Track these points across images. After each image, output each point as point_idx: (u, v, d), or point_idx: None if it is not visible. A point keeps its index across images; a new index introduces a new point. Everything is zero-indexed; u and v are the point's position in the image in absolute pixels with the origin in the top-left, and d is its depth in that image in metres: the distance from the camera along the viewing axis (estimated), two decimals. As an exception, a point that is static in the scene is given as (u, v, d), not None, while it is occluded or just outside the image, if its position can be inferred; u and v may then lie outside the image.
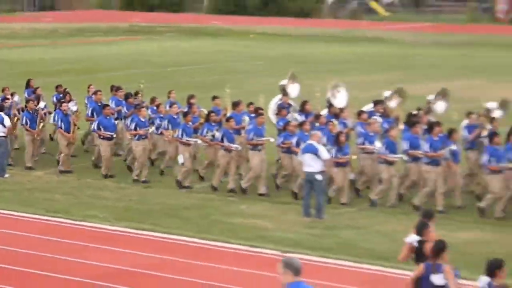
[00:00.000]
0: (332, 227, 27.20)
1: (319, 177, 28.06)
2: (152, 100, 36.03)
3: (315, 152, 27.98)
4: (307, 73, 57.02)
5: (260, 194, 31.11)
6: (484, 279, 15.89)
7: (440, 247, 17.18)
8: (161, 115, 33.87)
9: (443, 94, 35.66)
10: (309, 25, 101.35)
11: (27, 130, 34.69)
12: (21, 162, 35.57)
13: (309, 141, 28.85)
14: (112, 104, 35.62)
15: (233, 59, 69.21)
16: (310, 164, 28.17)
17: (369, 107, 35.41)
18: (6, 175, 33.72)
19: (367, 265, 23.09)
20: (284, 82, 37.21)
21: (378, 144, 29.77)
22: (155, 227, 26.83)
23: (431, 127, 29.47)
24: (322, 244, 25.26)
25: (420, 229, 18.49)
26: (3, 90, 37.98)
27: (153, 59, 68.91)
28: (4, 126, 34.03)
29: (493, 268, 15.71)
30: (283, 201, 30.32)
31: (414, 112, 33.50)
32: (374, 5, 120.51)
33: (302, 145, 29.44)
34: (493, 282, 15.97)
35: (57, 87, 39.25)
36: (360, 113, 32.92)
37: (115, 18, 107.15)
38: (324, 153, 28.39)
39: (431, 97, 35.81)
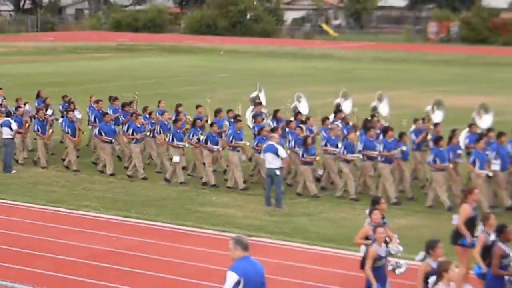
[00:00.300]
0: (289, 214, 27.46)
1: (278, 172, 28.20)
2: (145, 109, 35.70)
3: (275, 151, 28.09)
4: (268, 84, 57.20)
5: (228, 187, 31.15)
6: (422, 253, 16.53)
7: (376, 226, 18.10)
8: (153, 121, 33.79)
9: (380, 99, 36.18)
10: (270, 44, 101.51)
11: (38, 135, 34.60)
12: (27, 161, 35.66)
13: (270, 142, 28.99)
14: (110, 112, 35.38)
15: (206, 73, 69.31)
16: (271, 162, 28.30)
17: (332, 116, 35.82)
18: (13, 171, 33.78)
19: (317, 246, 23.37)
20: (254, 94, 37.51)
21: (340, 146, 29.80)
22: (139, 215, 26.98)
23: (385, 131, 29.64)
24: (280, 229, 25.52)
25: (369, 213, 18.91)
26: (16, 100, 37.77)
27: (138, 73, 68.82)
28: (11, 129, 34.19)
29: (427, 247, 16.41)
30: (248, 193, 30.36)
31: (369, 118, 33.75)
32: (325, 27, 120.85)
33: (264, 146, 29.45)
34: (428, 257, 16.55)
35: (63, 97, 38.78)
36: (324, 120, 33.10)
37: (105, 38, 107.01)
38: (282, 152, 28.54)
39: (374, 103, 36.16)
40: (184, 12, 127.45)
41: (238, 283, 13.65)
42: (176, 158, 31.04)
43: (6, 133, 34.23)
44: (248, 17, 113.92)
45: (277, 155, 28.32)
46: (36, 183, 32.14)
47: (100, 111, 35.65)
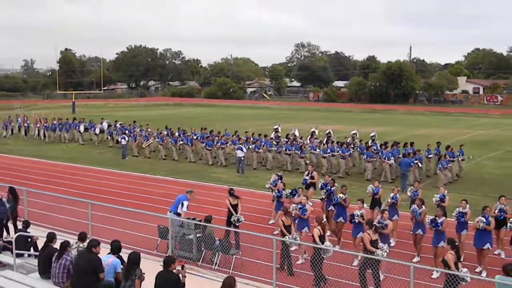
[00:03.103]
0: (247, 177, 27.40)
1: (243, 158, 28.46)
2: (219, 132, 34.39)
3: (241, 149, 28.32)
4: (242, 120, 56.94)
5: (224, 166, 30.66)
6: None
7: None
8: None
9: (328, 130, 35.33)
10: (241, 103, 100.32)
11: (173, 146, 33.48)
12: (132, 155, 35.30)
13: (239, 145, 29.16)
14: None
15: (213, 114, 68.30)
16: (239, 154, 28.44)
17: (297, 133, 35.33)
18: (126, 158, 33.22)
19: (258, 190, 23.32)
20: (275, 126, 37.17)
21: (318, 150, 29.10)
22: (182, 177, 26.91)
23: (321, 142, 29.45)
24: (243, 183, 25.57)
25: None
26: (157, 129, 36.57)
27: (185, 115, 67.68)
28: (125, 140, 33.96)
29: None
30: (229, 167, 30.12)
31: (312, 133, 33.20)
32: (265, 95, 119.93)
33: (236, 146, 29.49)
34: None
35: (178, 128, 36.20)
36: (310, 138, 31.95)
37: (168, 100, 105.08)
38: (244, 150, 28.78)
39: (313, 129, 35.14)
40: (203, 88, 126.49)
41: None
42: (240, 154, 29.19)
43: (123, 141, 33.91)
44: (231, 90, 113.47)
45: (242, 150, 28.60)
46: (136, 163, 31.75)
47: (204, 135, 33.81)
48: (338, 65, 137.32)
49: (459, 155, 26.96)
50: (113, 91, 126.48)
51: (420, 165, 25.55)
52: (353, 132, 34.36)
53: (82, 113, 59.82)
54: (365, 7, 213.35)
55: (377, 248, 12.24)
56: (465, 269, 11.26)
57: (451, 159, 25.96)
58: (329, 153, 28.38)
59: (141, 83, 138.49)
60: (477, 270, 14.04)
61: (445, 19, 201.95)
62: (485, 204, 15.51)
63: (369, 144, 28.89)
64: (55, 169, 29.57)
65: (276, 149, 30.29)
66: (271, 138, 31.87)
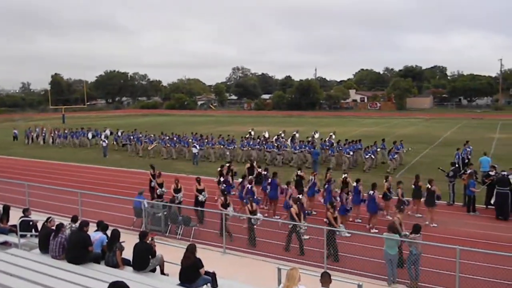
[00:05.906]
0: (199, 168, 26.53)
1: (197, 154, 27.61)
2: (206, 136, 31.87)
3: (196, 147, 27.36)
4: (197, 125, 55.87)
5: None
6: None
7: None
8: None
9: (252, 131, 34.20)
10: (193, 112, 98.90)
11: (172, 148, 30.81)
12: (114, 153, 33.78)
13: (196, 145, 28.35)
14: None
15: (171, 122, 66.44)
16: (193, 150, 27.63)
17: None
18: (107, 156, 31.12)
19: (206, 177, 22.06)
20: (250, 130, 34.43)
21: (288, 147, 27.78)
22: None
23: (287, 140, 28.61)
24: (197, 172, 24.43)
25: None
26: (147, 134, 33.85)
27: (151, 122, 65.76)
28: (105, 142, 32.29)
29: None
30: (187, 161, 29.03)
31: (278, 135, 31.86)
32: (211, 106, 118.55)
33: (192, 145, 28.40)
34: None
35: (172, 133, 33.26)
36: (277, 138, 30.61)
37: (135, 111, 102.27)
38: (197, 147, 27.95)
39: (253, 131, 33.74)
40: (164, 102, 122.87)
41: None
42: (194, 150, 27.71)
43: (104, 144, 32.58)
44: (185, 103, 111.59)
45: (196, 148, 27.93)
46: (117, 160, 30.15)
47: (195, 138, 31.21)
48: (264, 83, 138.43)
49: (401, 148, 26.31)
50: (94, 105, 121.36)
51: (373, 157, 24.97)
52: (331, 133, 31.80)
53: (70, 124, 56.97)
54: (281, 40, 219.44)
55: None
56: (342, 225, 11.66)
57: (397, 151, 25.44)
58: (298, 149, 27.02)
59: (116, 98, 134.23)
60: (371, 230, 14.25)
61: (339, 48, 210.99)
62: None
63: (329, 142, 27.95)
64: (52, 167, 27.92)
65: (258, 147, 28.63)
66: (252, 139, 30.07)
